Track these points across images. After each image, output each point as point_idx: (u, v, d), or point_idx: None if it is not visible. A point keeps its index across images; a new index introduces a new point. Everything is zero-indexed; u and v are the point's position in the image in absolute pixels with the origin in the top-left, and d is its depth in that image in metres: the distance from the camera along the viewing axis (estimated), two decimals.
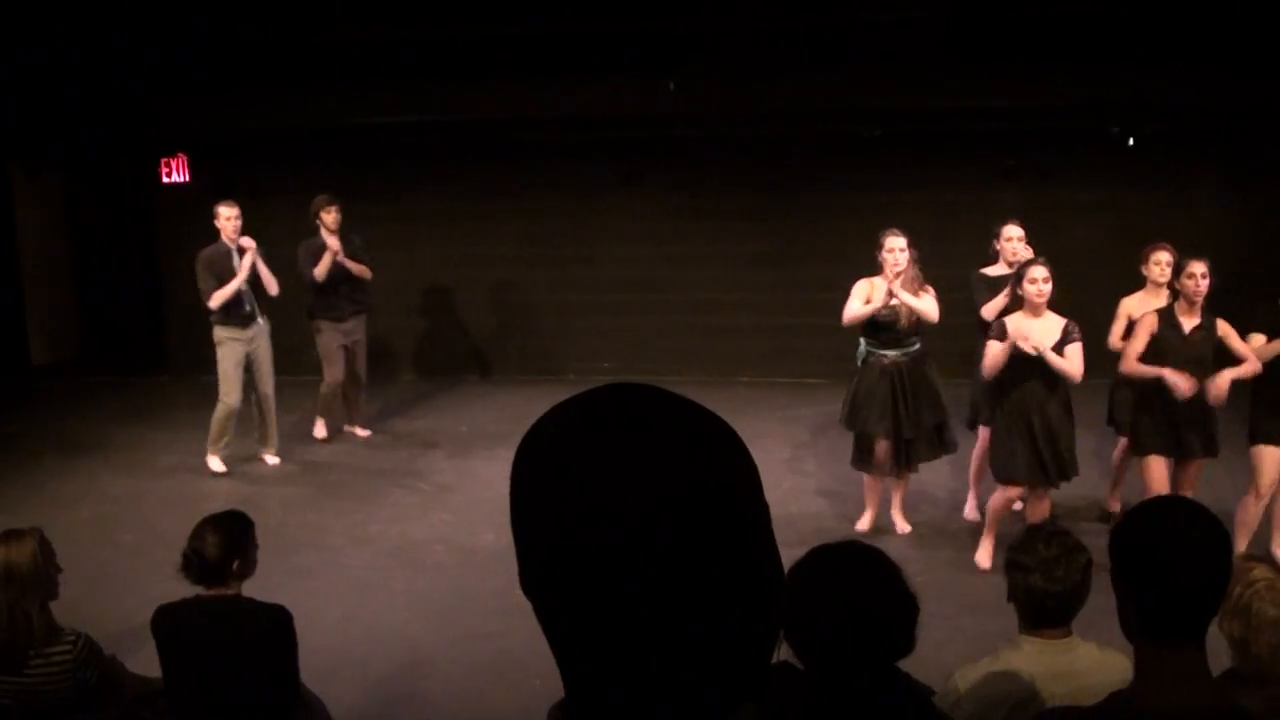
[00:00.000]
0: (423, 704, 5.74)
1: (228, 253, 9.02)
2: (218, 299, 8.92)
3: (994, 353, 6.66)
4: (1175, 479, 6.82)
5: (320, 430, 10.15)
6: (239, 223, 9.04)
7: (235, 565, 4.03)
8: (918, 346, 7.34)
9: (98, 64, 10.25)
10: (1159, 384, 6.60)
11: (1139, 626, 2.23)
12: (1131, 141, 11.35)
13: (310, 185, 10.99)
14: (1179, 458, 6.81)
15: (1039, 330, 6.60)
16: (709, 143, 11.81)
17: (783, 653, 2.38)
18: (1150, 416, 6.77)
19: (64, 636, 4.13)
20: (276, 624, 4.05)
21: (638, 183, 12.20)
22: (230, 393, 9.12)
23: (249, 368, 9.17)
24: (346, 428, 10.35)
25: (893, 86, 10.22)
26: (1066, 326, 6.63)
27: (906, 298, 7.13)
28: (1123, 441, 7.59)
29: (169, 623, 4.03)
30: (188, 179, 12.54)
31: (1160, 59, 9.69)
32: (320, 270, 9.54)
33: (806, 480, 8.79)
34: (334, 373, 9.85)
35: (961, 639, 5.48)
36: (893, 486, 7.69)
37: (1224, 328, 6.65)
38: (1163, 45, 9.56)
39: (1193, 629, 2.19)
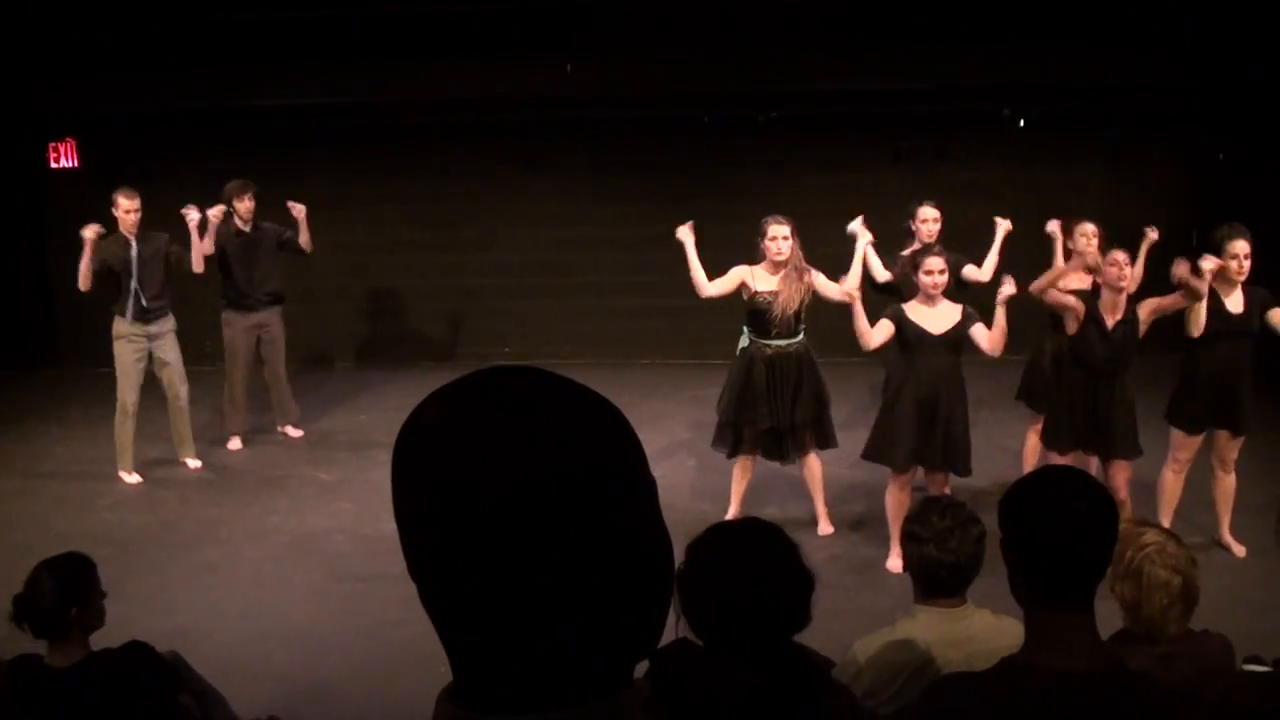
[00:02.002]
0: (329, 695, 5.69)
1: (126, 243, 8.43)
2: (83, 279, 8.33)
3: (877, 332, 6.63)
4: (1106, 479, 6.41)
5: (234, 443, 9.52)
6: (138, 215, 8.41)
7: (74, 614, 3.69)
8: (800, 338, 7.20)
9: None
10: (1084, 380, 6.50)
11: (1028, 592, 2.28)
12: (1022, 123, 11.57)
13: (203, 169, 10.75)
14: (1102, 457, 6.61)
15: (934, 318, 6.56)
16: (608, 125, 11.78)
17: (680, 629, 2.39)
18: (1069, 411, 6.59)
19: None
20: (134, 668, 3.73)
21: (537, 165, 12.13)
22: (125, 390, 8.58)
23: (153, 368, 8.68)
24: (279, 428, 9.85)
25: (788, 69, 10.28)
26: (965, 310, 6.58)
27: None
28: (1032, 437, 7.46)
29: (19, 694, 3.67)
30: (77, 164, 12.21)
31: (1049, 40, 9.88)
32: (196, 257, 8.69)
33: (709, 460, 8.80)
34: (234, 372, 9.34)
35: (864, 612, 5.57)
36: (810, 484, 7.50)
37: (1147, 307, 6.47)
38: (1051, 27, 9.76)
39: (1080, 592, 2.25)
